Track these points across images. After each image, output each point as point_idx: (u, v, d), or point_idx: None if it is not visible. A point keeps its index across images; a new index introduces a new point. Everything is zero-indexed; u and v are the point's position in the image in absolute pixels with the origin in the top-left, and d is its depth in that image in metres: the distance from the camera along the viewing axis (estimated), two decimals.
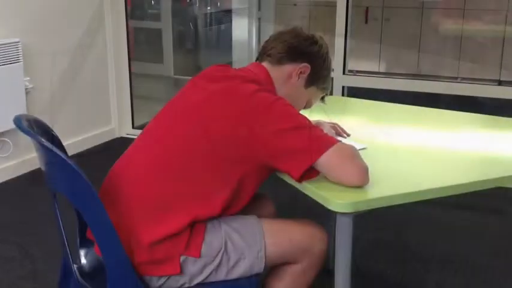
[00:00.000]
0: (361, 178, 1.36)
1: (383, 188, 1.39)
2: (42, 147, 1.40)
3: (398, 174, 1.51)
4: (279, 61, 1.59)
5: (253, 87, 1.45)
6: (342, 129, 1.79)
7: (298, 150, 1.36)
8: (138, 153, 1.53)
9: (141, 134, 1.59)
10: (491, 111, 2.13)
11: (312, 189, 1.37)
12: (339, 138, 1.68)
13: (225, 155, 1.40)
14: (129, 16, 4.07)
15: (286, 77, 1.59)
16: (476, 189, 1.46)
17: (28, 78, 3.32)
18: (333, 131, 1.76)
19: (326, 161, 1.35)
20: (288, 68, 1.59)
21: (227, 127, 1.39)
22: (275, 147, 1.38)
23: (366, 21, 5.49)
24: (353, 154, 1.39)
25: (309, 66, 1.59)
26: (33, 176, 3.35)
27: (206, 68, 1.64)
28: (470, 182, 1.45)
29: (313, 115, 1.70)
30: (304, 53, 1.60)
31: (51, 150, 1.35)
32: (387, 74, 5.45)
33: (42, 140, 1.38)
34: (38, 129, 1.52)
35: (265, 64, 1.60)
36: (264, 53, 1.63)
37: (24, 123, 1.47)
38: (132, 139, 1.63)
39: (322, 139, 1.38)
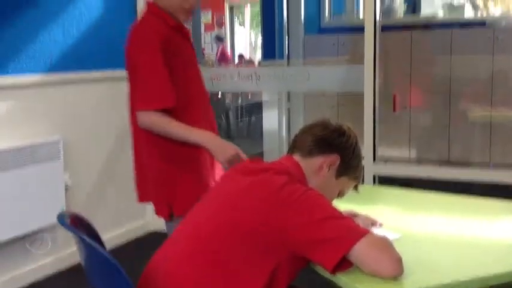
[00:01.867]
0: (395, 269, 1.36)
1: (417, 279, 1.39)
2: (84, 244, 1.45)
3: (432, 264, 1.50)
4: (309, 153, 1.65)
5: (285, 178, 1.49)
6: (374, 219, 1.81)
7: (330, 241, 1.37)
8: (174, 246, 1.56)
9: (178, 226, 1.63)
10: None
11: (345, 281, 1.38)
12: (372, 228, 1.69)
13: (255, 246, 1.42)
14: None
15: (317, 168, 1.64)
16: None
17: (68, 175, 3.43)
18: (367, 221, 1.77)
19: (358, 251, 1.36)
20: (318, 159, 1.64)
21: (258, 218, 1.43)
22: (306, 238, 1.40)
23: (394, 109, 5.57)
24: (386, 244, 1.39)
25: (338, 157, 1.64)
26: (70, 273, 3.37)
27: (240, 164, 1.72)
28: (507, 272, 1.44)
29: (345, 205, 1.72)
30: (333, 144, 1.65)
31: (93, 247, 1.40)
32: (418, 161, 5.45)
33: (84, 237, 1.43)
34: (79, 226, 1.58)
35: (296, 157, 1.66)
36: (294, 146, 1.69)
37: (67, 220, 1.54)
38: (166, 233, 1.67)
39: (354, 229, 1.40)
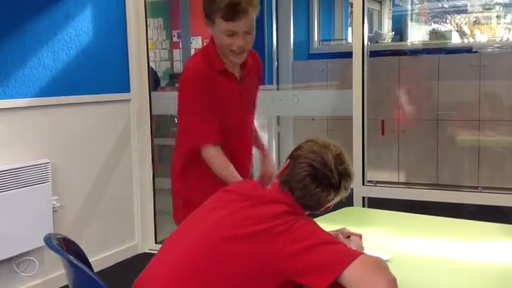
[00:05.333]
0: None
1: None
2: (72, 266, 1.44)
3: (425, 285, 1.50)
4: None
5: (282, 208, 1.50)
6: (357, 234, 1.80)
7: (321, 265, 1.37)
8: (159, 269, 1.55)
9: (162, 246, 1.62)
10: None
11: None
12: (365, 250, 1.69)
13: (250, 278, 1.42)
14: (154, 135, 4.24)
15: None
16: None
17: (56, 198, 3.41)
18: (358, 241, 1.76)
19: (352, 274, 1.35)
20: None
21: (250, 246, 1.43)
22: (297, 264, 1.40)
23: (383, 133, 5.61)
24: (380, 265, 1.39)
25: None
26: None
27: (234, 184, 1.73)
28: None
29: (335, 226, 1.73)
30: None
31: (81, 269, 1.39)
32: (407, 185, 5.47)
33: (72, 258, 1.42)
34: (67, 248, 1.57)
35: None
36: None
37: (54, 242, 1.53)
38: (155, 254, 1.66)
39: (346, 253, 1.40)
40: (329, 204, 1.66)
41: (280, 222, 1.46)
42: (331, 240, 1.44)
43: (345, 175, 1.63)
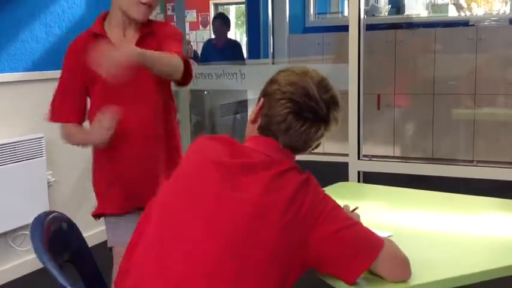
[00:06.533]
0: (408, 275, 1.39)
1: (413, 276, 1.41)
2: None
3: (426, 261, 1.51)
4: None
5: (296, 178, 1.36)
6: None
7: (352, 257, 1.34)
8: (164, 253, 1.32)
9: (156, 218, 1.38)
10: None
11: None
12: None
13: (272, 265, 1.29)
14: None
15: None
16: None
17: (50, 172, 3.40)
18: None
19: (377, 264, 1.35)
20: None
21: (278, 239, 1.29)
22: (328, 254, 1.33)
23: (379, 108, 5.60)
24: (398, 252, 1.40)
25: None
26: None
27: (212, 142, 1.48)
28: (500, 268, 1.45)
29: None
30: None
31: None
32: (402, 159, 5.49)
33: (48, 264, 1.42)
34: (53, 234, 1.53)
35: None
36: None
37: (38, 243, 1.48)
38: None
39: (372, 241, 1.37)
40: (319, 142, 1.46)
41: (299, 200, 1.30)
42: (354, 223, 1.37)
43: (333, 104, 1.43)
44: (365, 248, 1.34)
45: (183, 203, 1.37)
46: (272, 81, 1.46)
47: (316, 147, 1.48)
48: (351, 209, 1.67)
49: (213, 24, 6.34)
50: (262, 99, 1.45)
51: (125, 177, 2.14)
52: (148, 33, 2.11)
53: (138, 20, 2.08)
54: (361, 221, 1.52)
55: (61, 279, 1.37)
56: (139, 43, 2.04)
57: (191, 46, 7.82)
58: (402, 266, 1.38)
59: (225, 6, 9.82)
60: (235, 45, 6.22)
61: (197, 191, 1.37)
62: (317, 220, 1.31)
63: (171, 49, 2.02)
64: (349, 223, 1.35)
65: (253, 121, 1.47)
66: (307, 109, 1.39)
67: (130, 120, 2.02)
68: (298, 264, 1.32)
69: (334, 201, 1.39)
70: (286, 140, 1.41)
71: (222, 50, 5.75)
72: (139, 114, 2.07)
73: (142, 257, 1.34)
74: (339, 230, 1.32)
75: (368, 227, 1.40)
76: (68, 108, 2.17)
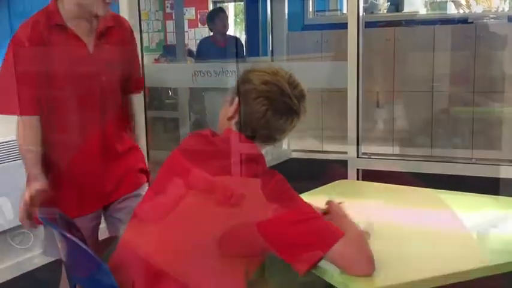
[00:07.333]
0: (368, 269, 1.37)
1: (388, 276, 1.40)
2: (64, 239, 1.43)
3: (409, 259, 1.51)
4: None
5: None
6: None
7: (305, 246, 1.37)
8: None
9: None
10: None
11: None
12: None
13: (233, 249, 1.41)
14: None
15: None
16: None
17: None
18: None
19: (332, 254, 1.36)
20: None
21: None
22: (282, 240, 1.38)
23: (378, 106, 5.61)
24: (360, 244, 1.39)
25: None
26: (52, 267, 3.34)
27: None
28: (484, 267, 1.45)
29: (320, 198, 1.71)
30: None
31: (72, 241, 1.39)
32: (401, 157, 5.49)
33: (65, 232, 1.42)
34: (61, 221, 1.56)
35: None
36: None
37: (48, 216, 1.52)
38: None
39: (328, 232, 1.38)
40: (291, 131, 1.60)
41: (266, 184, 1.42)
42: (315, 215, 1.42)
43: (301, 97, 1.58)
44: (319, 239, 1.37)
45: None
46: (245, 80, 1.57)
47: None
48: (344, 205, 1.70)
49: (209, 20, 5.62)
50: (236, 99, 1.56)
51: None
52: (108, 28, 2.01)
53: (101, 13, 1.94)
54: (352, 217, 1.56)
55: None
56: (99, 38, 1.98)
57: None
58: (361, 261, 1.37)
59: (224, 4, 9.83)
60: (236, 40, 6.10)
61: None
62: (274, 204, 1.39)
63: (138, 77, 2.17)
64: (309, 214, 1.41)
65: (231, 118, 1.57)
66: (283, 105, 1.53)
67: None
68: (253, 245, 1.41)
69: (293, 192, 1.46)
70: (265, 133, 1.55)
71: (221, 48, 5.64)
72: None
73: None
74: (298, 219, 1.39)
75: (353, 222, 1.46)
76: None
